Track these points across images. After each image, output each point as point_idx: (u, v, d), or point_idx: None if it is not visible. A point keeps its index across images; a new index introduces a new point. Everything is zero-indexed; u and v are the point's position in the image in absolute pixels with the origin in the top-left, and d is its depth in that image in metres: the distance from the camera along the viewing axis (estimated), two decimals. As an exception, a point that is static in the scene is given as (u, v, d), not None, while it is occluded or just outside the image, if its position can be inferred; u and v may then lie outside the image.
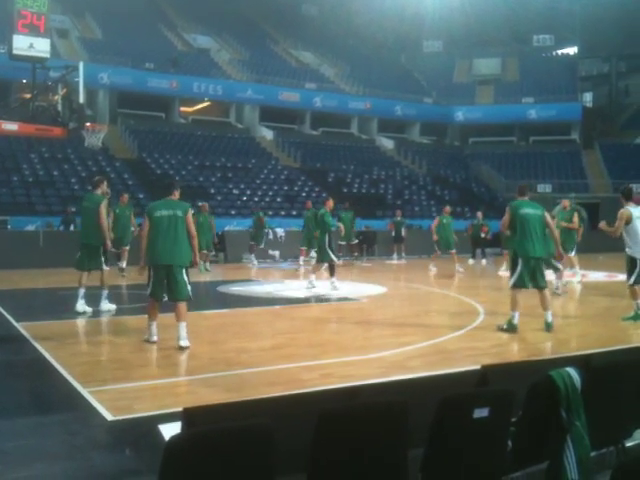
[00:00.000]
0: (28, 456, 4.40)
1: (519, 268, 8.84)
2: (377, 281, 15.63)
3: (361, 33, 47.37)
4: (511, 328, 8.75)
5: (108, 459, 4.44)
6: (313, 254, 23.99)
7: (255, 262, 20.38)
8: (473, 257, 22.72)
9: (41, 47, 15.65)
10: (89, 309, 10.15)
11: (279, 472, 2.67)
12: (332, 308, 11.89)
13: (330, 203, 14.11)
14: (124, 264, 16.11)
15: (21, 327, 8.96)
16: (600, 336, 9.04)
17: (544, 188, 36.78)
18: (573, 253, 14.94)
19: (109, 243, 10.35)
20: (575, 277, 15.30)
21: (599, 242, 20.31)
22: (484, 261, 22.48)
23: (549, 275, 10.72)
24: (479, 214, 23.82)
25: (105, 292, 10.38)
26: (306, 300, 12.54)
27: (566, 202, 16.03)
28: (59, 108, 15.67)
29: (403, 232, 24.29)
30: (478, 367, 3.81)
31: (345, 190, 32.20)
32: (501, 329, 8.84)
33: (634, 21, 44.79)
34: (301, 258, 20.12)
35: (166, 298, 7.96)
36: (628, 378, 3.76)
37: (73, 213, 21.47)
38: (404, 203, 31.51)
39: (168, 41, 43.35)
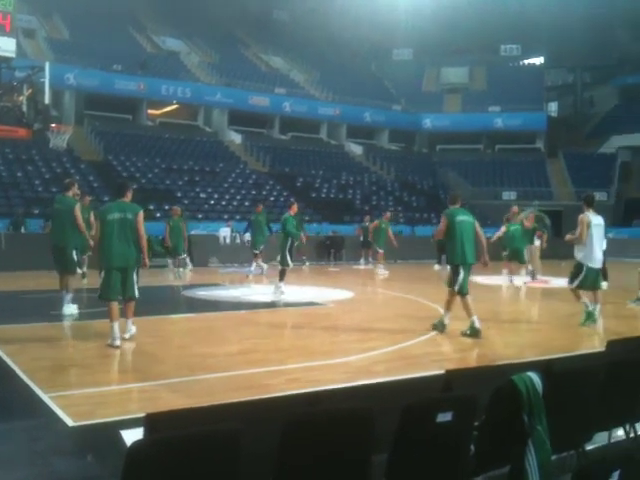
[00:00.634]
0: (-13, 463, 4.31)
1: (462, 275, 9.06)
2: (344, 286, 15.67)
3: (332, 40, 47.55)
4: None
5: (69, 465, 4.37)
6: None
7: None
8: (439, 263, 22.89)
9: (7, 47, 15.41)
10: (76, 311, 10.12)
11: (244, 478, 2.65)
12: (299, 313, 11.88)
13: (295, 208, 14.08)
14: (84, 268, 14.96)
15: (-19, 331, 8.76)
16: (562, 341, 9.19)
17: (509, 195, 37.31)
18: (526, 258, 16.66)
19: (92, 243, 10.23)
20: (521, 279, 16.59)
21: (562, 249, 20.66)
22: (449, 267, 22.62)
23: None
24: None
25: (68, 296, 10.23)
26: (273, 305, 12.51)
27: (515, 208, 17.84)
28: (24, 109, 15.46)
29: (370, 237, 24.37)
30: (442, 372, 3.84)
31: (313, 195, 32.26)
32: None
33: (599, 33, 45.80)
34: (253, 264, 18.04)
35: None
36: (588, 383, 3.83)
37: (23, 215, 21.11)
38: (372, 208, 31.67)
39: (137, 43, 43.01)
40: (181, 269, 17.39)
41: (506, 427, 3.41)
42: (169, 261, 18.14)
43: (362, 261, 24.26)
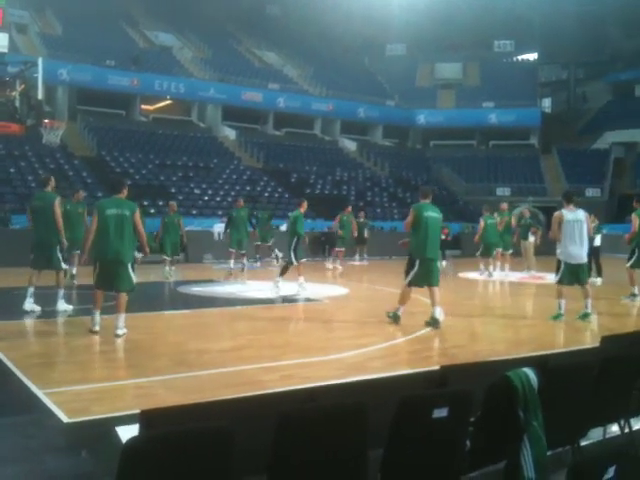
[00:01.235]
0: (-20, 460, 4.29)
1: (415, 268, 9.34)
2: (339, 282, 15.67)
3: (325, 35, 47.51)
4: (395, 319, 9.44)
5: (63, 462, 4.35)
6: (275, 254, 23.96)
7: (278, 254, 17.72)
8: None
9: (-2, 41, 15.29)
10: (38, 308, 9.94)
11: (239, 474, 2.65)
12: (294, 309, 11.88)
13: (304, 205, 13.73)
14: (74, 270, 14.23)
15: (-26, 328, 8.73)
16: (556, 337, 9.23)
17: (503, 191, 37.40)
18: (509, 252, 18.21)
19: (65, 241, 10.17)
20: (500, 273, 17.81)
21: (555, 245, 20.79)
22: (444, 263, 22.67)
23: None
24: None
25: (61, 292, 10.19)
26: (267, 301, 12.50)
27: (504, 205, 18.67)
28: (17, 104, 15.39)
29: (366, 233, 24.39)
30: (437, 368, 3.85)
31: (308, 191, 32.21)
32: (389, 316, 9.50)
33: (592, 29, 45.89)
34: (231, 261, 17.42)
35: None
36: (583, 378, 3.84)
37: (9, 211, 20.93)
38: (366, 205, 31.65)
39: (130, 38, 42.82)
40: (173, 268, 16.19)
41: (501, 423, 3.41)
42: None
43: (357, 257, 24.26)
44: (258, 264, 20.34)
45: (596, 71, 49.73)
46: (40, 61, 16.69)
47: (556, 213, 10.11)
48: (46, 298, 10.07)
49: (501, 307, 13.05)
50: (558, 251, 10.12)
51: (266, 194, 30.71)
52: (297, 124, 41.57)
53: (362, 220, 24.62)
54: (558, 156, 41.65)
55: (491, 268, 17.91)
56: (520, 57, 53.68)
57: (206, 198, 28.61)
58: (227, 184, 30.64)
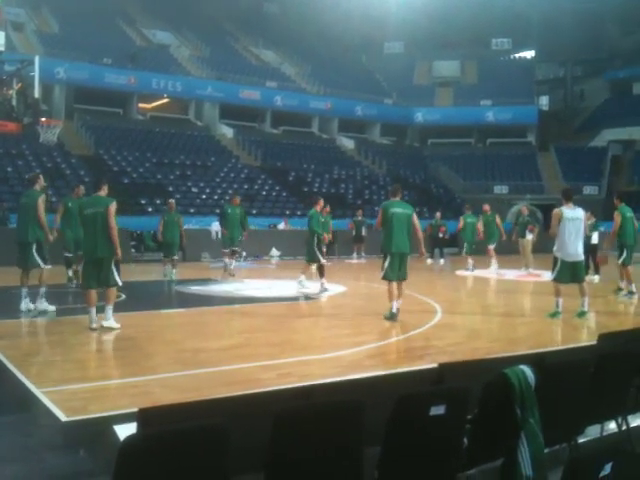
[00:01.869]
0: (-22, 458, 4.29)
1: (387, 263, 9.70)
2: (337, 280, 15.66)
3: (322, 33, 47.49)
4: (391, 317, 9.59)
5: (62, 460, 4.35)
6: (274, 253, 23.93)
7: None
8: (431, 257, 22.97)
9: (-5, 40, 15.24)
10: (32, 306, 9.91)
11: (235, 472, 2.65)
12: (291, 307, 11.87)
13: (321, 203, 13.57)
14: (71, 272, 13.57)
15: (-29, 326, 8.72)
16: (553, 335, 9.24)
17: (500, 189, 37.43)
18: (492, 246, 18.85)
19: (50, 238, 10.14)
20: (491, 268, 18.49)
21: (553, 243, 20.83)
22: (442, 261, 22.73)
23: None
24: (437, 214, 24.11)
25: (42, 290, 9.92)
26: (265, 300, 12.50)
27: (486, 207, 19.28)
28: (14, 103, 15.35)
29: (364, 232, 24.42)
30: (435, 365, 3.85)
31: (306, 189, 32.22)
32: (385, 318, 9.61)
33: (590, 27, 45.94)
34: (226, 260, 16.84)
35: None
36: (580, 376, 3.85)
37: (7, 210, 20.83)
38: (364, 203, 31.66)
39: (127, 36, 42.77)
40: (174, 270, 15.45)
41: (499, 420, 3.42)
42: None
43: (355, 255, 24.28)
44: (243, 262, 20.20)
45: (594, 69, 49.76)
46: (37, 59, 16.64)
47: (555, 210, 10.11)
48: (46, 296, 10.05)
49: (498, 305, 13.06)
50: (555, 248, 10.14)
51: (264, 192, 30.71)
52: (295, 122, 41.55)
53: (360, 218, 24.65)
54: (556, 154, 41.68)
55: (471, 264, 18.61)
56: (517, 55, 53.71)
57: (204, 197, 28.60)
58: (225, 182, 30.63)
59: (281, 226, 26.75)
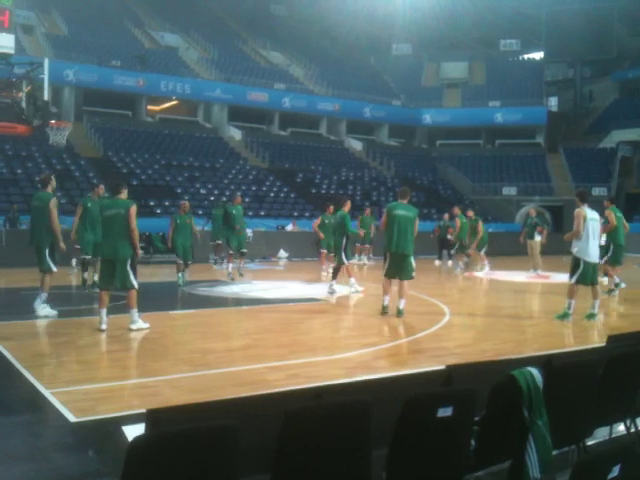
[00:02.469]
0: (-12, 458, 4.31)
1: (387, 262, 10.19)
2: (345, 282, 15.65)
3: (331, 34, 47.53)
4: (383, 309, 10.18)
5: (71, 461, 4.37)
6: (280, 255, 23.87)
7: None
8: (439, 258, 22.92)
9: (5, 43, 15.35)
10: (53, 312, 9.82)
11: (244, 472, 2.66)
12: (300, 309, 11.87)
13: (348, 204, 13.53)
14: (85, 275, 13.12)
15: (-18, 327, 8.77)
16: (562, 336, 9.21)
17: (509, 190, 37.31)
18: (482, 251, 19.40)
19: (62, 246, 9.87)
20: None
21: (562, 244, 20.76)
22: (450, 262, 22.66)
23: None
24: (445, 216, 24.02)
25: (44, 295, 9.72)
26: (273, 301, 12.51)
27: (470, 212, 20.23)
28: (23, 105, 15.41)
29: (371, 233, 24.32)
30: (443, 367, 3.85)
31: (313, 191, 32.23)
32: (381, 314, 10.10)
33: (599, 27, 45.75)
34: (230, 264, 16.37)
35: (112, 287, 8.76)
36: (588, 378, 3.83)
37: (17, 212, 20.92)
38: (372, 204, 31.61)
39: (135, 38, 42.92)
40: (185, 275, 14.87)
41: (507, 422, 3.41)
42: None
43: (363, 257, 24.21)
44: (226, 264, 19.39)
45: (603, 69, 49.52)
46: (46, 62, 16.72)
47: (578, 210, 9.91)
48: (54, 298, 10.09)
49: (507, 306, 13.02)
50: (575, 249, 9.91)
51: (272, 194, 30.73)
52: (303, 124, 41.60)
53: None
54: (565, 155, 41.52)
55: (461, 264, 19.75)
56: (526, 56, 53.56)
57: (212, 198, 28.64)
58: (233, 184, 30.67)
59: (289, 227, 26.77)
